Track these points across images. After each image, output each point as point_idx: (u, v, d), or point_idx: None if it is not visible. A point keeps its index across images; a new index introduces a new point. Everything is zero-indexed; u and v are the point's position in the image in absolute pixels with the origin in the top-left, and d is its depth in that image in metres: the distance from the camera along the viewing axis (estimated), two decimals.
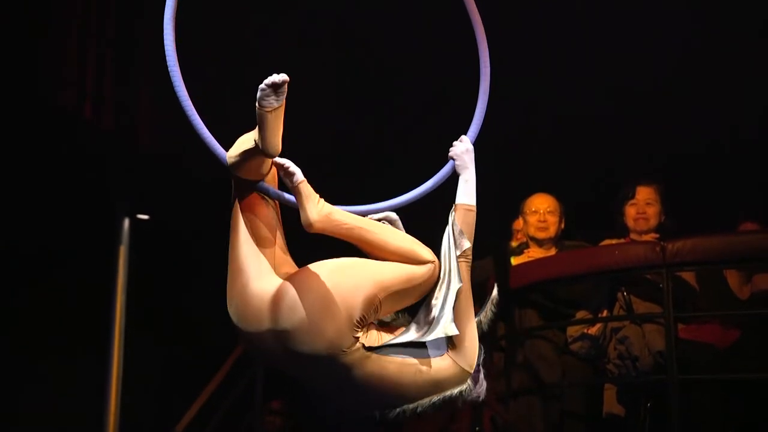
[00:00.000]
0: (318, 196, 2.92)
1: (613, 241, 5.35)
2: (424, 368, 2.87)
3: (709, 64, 6.65)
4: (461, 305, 2.92)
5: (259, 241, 2.96)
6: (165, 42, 2.97)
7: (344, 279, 2.86)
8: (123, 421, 6.03)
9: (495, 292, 3.13)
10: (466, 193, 3.04)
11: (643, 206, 5.38)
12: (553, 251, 5.52)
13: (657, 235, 5.28)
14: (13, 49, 5.48)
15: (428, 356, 2.89)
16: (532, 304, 5.35)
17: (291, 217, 3.04)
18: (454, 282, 2.92)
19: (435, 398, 2.88)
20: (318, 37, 7.04)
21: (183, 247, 7.07)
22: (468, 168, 3.06)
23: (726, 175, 6.61)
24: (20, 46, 5.50)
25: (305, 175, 2.93)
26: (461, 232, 2.97)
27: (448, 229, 2.98)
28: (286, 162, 2.90)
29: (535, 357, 5.30)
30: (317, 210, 2.89)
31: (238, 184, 3.01)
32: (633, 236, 5.36)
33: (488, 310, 3.09)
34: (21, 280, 6.52)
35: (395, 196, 3.10)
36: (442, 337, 2.88)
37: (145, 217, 6.34)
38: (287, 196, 2.98)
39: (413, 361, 2.87)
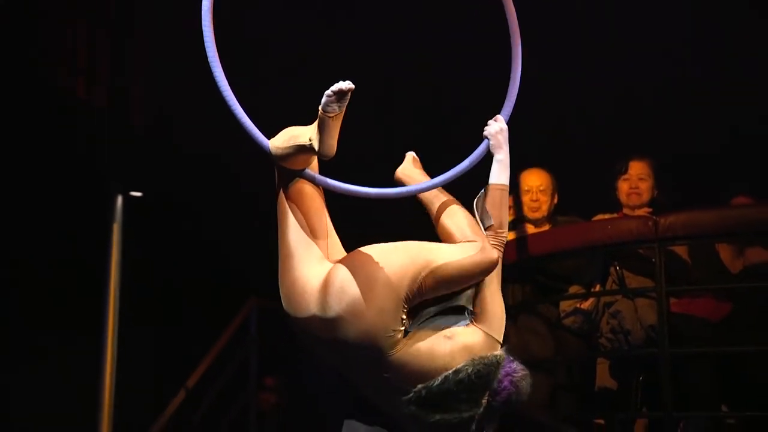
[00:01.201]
0: None
1: (606, 216, 5.36)
2: (453, 337, 2.88)
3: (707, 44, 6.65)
4: (489, 280, 2.95)
5: (308, 227, 3.01)
6: (204, 32, 2.98)
7: (393, 258, 2.89)
8: (117, 398, 6.05)
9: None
10: (499, 173, 3.08)
11: (636, 181, 5.38)
12: (546, 227, 5.52)
13: (650, 210, 5.29)
14: (7, 28, 5.47)
15: (450, 325, 2.91)
16: (525, 279, 5.37)
17: (340, 203, 3.09)
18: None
19: (473, 358, 2.86)
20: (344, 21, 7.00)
21: (176, 223, 7.07)
22: (502, 147, 3.10)
23: (719, 148, 6.62)
24: (15, 25, 5.48)
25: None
26: (485, 211, 3.01)
27: (475, 208, 3.04)
28: (351, 85, 2.88)
29: (527, 332, 5.31)
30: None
31: (282, 173, 3.04)
32: (626, 211, 5.36)
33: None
34: (14, 258, 6.52)
35: (431, 178, 3.13)
36: (464, 313, 2.92)
37: (139, 194, 6.34)
38: (332, 182, 3.03)
39: (443, 332, 2.89)
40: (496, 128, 3.11)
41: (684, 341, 4.80)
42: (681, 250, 5.05)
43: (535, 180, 5.55)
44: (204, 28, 2.98)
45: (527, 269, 5.34)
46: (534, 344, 5.29)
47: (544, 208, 5.52)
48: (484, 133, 3.12)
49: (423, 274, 2.88)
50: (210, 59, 2.97)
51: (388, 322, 2.85)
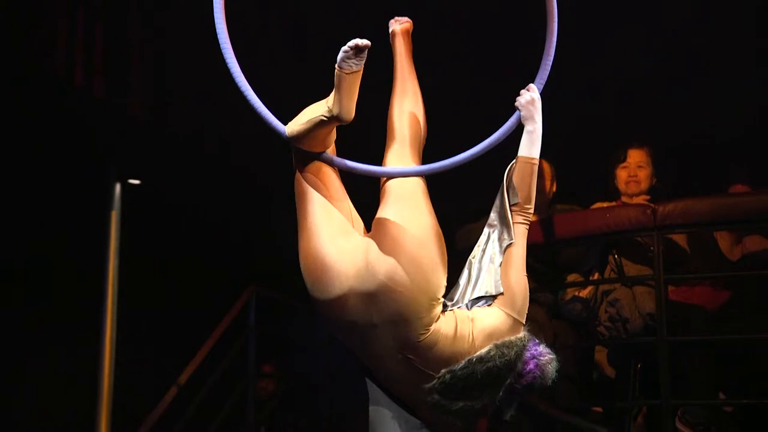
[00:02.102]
0: None
1: (605, 204, 5.36)
2: (475, 319, 2.86)
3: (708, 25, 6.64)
4: (511, 259, 2.92)
5: (330, 206, 2.94)
6: (215, 18, 2.96)
7: (429, 225, 2.87)
8: (116, 385, 6.06)
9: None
10: (528, 145, 2.98)
11: (634, 169, 5.38)
12: (544, 215, 5.52)
13: (648, 198, 5.29)
14: (4, 17, 5.45)
15: (476, 308, 2.90)
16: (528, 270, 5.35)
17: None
18: (506, 238, 2.91)
19: (495, 342, 2.85)
20: None
21: (175, 211, 7.07)
22: (533, 118, 3.00)
23: (716, 137, 6.62)
24: (11, 13, 5.46)
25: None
26: (513, 186, 2.93)
27: (503, 182, 2.96)
28: (367, 42, 2.84)
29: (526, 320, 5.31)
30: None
31: (299, 157, 2.98)
32: (624, 199, 5.37)
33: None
34: (13, 246, 6.52)
35: (462, 152, 3.02)
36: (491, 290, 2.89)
37: (137, 182, 6.33)
38: (350, 163, 2.98)
39: (467, 314, 2.88)
40: (528, 98, 3.02)
41: (682, 329, 4.81)
42: (679, 239, 5.06)
43: None
44: (216, 14, 2.95)
45: (526, 257, 5.33)
46: (532, 332, 5.28)
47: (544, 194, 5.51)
48: (516, 103, 3.03)
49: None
50: (222, 45, 2.94)
51: (430, 296, 2.82)
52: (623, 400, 4.99)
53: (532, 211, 2.98)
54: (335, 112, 2.83)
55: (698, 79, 6.65)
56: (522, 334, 2.92)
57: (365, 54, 2.81)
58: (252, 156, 6.53)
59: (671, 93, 6.78)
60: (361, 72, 2.83)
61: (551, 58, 3.06)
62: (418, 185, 2.98)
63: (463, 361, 2.82)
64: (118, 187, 6.28)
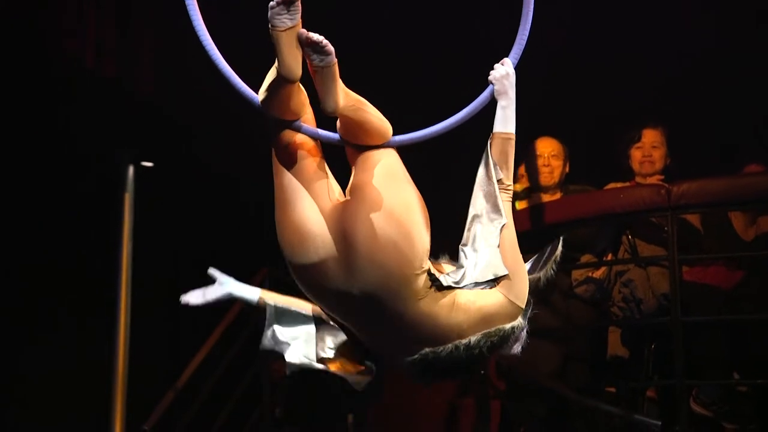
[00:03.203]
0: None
1: (619, 185, 5.35)
2: (474, 303, 2.76)
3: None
4: (506, 240, 2.82)
5: (306, 176, 2.84)
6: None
7: (407, 190, 2.79)
8: (131, 367, 6.07)
9: (559, 247, 3.06)
10: (503, 120, 2.88)
11: (648, 149, 5.36)
12: (558, 195, 5.51)
13: (662, 178, 5.27)
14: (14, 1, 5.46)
15: (475, 289, 2.79)
16: (537, 248, 5.35)
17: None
18: (497, 218, 2.81)
19: (486, 331, 2.77)
20: None
21: (188, 193, 7.07)
22: (506, 93, 2.89)
23: (731, 116, 6.58)
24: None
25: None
26: (494, 163, 2.83)
27: (483, 159, 2.85)
28: (322, 38, 2.70)
29: (539, 301, 5.30)
30: (344, 95, 2.78)
31: (272, 128, 2.88)
32: (638, 179, 5.35)
33: (550, 267, 3.06)
34: (26, 230, 6.54)
35: (432, 125, 2.94)
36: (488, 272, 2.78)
37: (150, 164, 6.32)
38: (324, 132, 2.89)
39: (464, 296, 2.77)
40: (502, 72, 2.91)
41: (696, 310, 4.80)
42: (693, 219, 5.04)
43: (546, 146, 5.53)
44: None
45: (539, 238, 5.32)
46: (545, 313, 5.29)
47: (556, 174, 5.50)
48: (489, 78, 2.92)
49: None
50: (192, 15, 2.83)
51: (414, 263, 2.71)
52: (637, 381, 4.98)
53: (512, 188, 2.90)
54: (280, 72, 2.72)
55: (715, 58, 6.62)
56: (517, 322, 2.83)
57: (298, 6, 2.66)
58: (266, 137, 6.52)
59: (688, 72, 6.75)
60: (299, 25, 2.68)
61: (527, 32, 2.97)
62: (392, 153, 2.88)
63: (450, 345, 2.75)
64: (131, 170, 6.27)
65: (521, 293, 2.85)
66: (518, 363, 5.27)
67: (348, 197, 2.82)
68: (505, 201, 2.84)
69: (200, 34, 2.84)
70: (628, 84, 6.89)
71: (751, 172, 5.28)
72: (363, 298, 2.75)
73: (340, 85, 2.76)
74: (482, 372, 5.47)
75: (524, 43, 2.98)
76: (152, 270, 6.64)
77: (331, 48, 2.70)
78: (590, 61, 6.89)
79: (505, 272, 2.79)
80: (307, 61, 2.72)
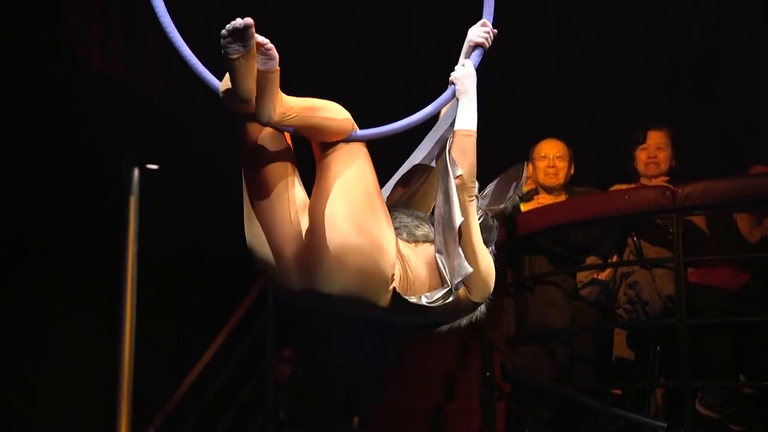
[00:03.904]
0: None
1: (624, 186, 5.34)
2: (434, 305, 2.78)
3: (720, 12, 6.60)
4: (471, 238, 2.78)
5: (274, 183, 2.76)
6: None
7: (370, 190, 2.74)
8: (137, 368, 6.08)
9: (524, 170, 3.00)
10: (465, 119, 2.84)
11: (654, 150, 5.36)
12: (562, 197, 5.50)
13: (667, 180, 5.27)
14: (19, 2, 5.46)
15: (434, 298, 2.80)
16: (542, 250, 5.35)
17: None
18: (456, 218, 2.75)
19: (445, 328, 2.89)
20: None
21: (193, 195, 7.08)
22: (467, 93, 2.86)
23: (736, 118, 6.58)
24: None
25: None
26: (453, 161, 2.78)
27: (444, 158, 2.80)
28: (268, 42, 2.61)
29: (544, 303, 5.31)
30: (280, 102, 2.66)
31: (239, 122, 2.79)
32: (643, 181, 5.34)
33: (518, 192, 2.98)
34: (32, 232, 6.55)
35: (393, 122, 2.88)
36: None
37: (155, 166, 6.33)
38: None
39: (437, 294, 2.78)
40: (463, 72, 2.88)
41: (702, 311, 4.79)
42: (699, 220, 5.04)
43: (551, 148, 5.52)
44: None
45: (544, 240, 5.33)
46: (551, 315, 5.29)
47: (561, 175, 5.49)
48: (450, 78, 2.90)
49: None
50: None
51: (383, 266, 2.71)
52: (642, 383, 4.98)
53: (476, 187, 2.86)
54: (237, 94, 2.63)
55: (719, 60, 6.61)
56: (475, 313, 2.90)
57: (251, 33, 2.56)
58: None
59: (692, 74, 6.75)
60: (254, 51, 2.59)
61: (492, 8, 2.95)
62: (355, 151, 2.79)
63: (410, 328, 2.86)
64: (136, 172, 6.28)
65: (486, 292, 2.87)
66: (524, 365, 5.28)
67: (310, 209, 2.76)
68: (467, 200, 2.79)
69: (161, 17, 2.78)
70: (633, 85, 6.89)
71: (757, 173, 5.27)
72: (341, 301, 2.76)
73: (279, 95, 2.66)
74: (487, 374, 5.47)
75: (492, 7, 2.95)
76: (157, 273, 6.65)
77: (275, 53, 2.62)
78: (595, 63, 6.89)
79: (470, 270, 2.77)
80: (225, 55, 2.60)
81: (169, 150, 6.47)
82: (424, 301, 2.78)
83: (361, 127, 2.83)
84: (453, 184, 2.76)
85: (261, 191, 2.76)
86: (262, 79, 2.62)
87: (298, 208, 2.77)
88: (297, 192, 2.79)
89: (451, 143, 2.82)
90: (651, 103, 6.71)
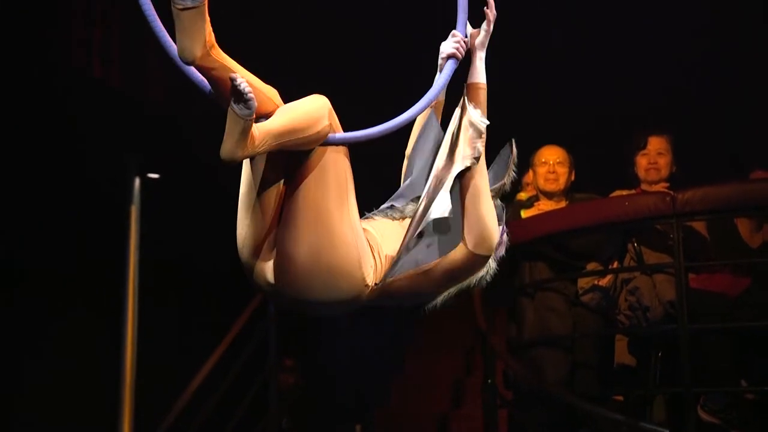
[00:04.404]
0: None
1: (624, 192, 5.34)
2: (435, 268, 2.77)
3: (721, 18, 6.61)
4: (474, 188, 2.78)
5: (265, 186, 2.75)
6: None
7: (321, 234, 2.69)
8: (138, 378, 6.09)
9: (513, 148, 3.01)
10: (482, 72, 2.90)
11: (654, 156, 5.36)
12: (563, 203, 5.51)
13: (668, 185, 5.27)
14: (20, 9, 5.47)
15: (440, 256, 2.79)
16: (543, 256, 5.36)
17: None
18: (457, 163, 2.77)
19: (453, 291, 2.83)
20: None
21: (194, 204, 7.08)
22: (484, 45, 2.91)
23: (737, 123, 6.59)
24: (27, 6, 5.48)
25: None
26: (480, 113, 2.81)
27: (459, 111, 2.82)
28: (245, 86, 2.52)
29: (546, 309, 5.31)
30: (250, 145, 2.57)
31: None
32: (644, 187, 5.34)
33: (510, 170, 3.00)
34: (33, 241, 6.55)
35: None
36: (455, 231, 2.77)
37: (156, 176, 6.34)
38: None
39: (423, 267, 2.78)
40: (455, 45, 2.90)
41: (703, 317, 4.79)
42: (699, 226, 5.03)
43: (552, 154, 5.53)
44: None
45: (545, 246, 5.33)
46: (552, 321, 5.29)
47: (562, 181, 5.50)
48: (443, 53, 2.91)
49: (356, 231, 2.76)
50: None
51: (357, 289, 2.74)
52: (644, 389, 4.98)
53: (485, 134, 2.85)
54: (178, 53, 2.60)
55: (720, 65, 6.62)
56: (484, 270, 2.82)
57: None
58: None
59: (692, 80, 6.76)
60: (205, 9, 2.54)
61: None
62: (331, 157, 2.74)
63: (427, 308, 2.84)
64: (137, 181, 6.29)
65: (489, 244, 2.80)
66: (526, 372, 5.28)
67: (278, 230, 2.74)
68: (481, 149, 2.80)
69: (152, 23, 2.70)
70: (633, 91, 6.90)
71: (757, 178, 5.27)
72: (324, 308, 2.80)
73: (251, 135, 2.56)
74: (489, 381, 5.47)
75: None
76: (160, 281, 6.66)
77: (254, 103, 2.52)
78: (596, 69, 6.90)
79: (445, 214, 2.76)
80: (173, 5, 2.55)
81: (171, 158, 6.49)
82: (398, 258, 2.75)
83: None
84: (464, 135, 2.77)
85: (252, 200, 2.76)
86: (235, 121, 2.53)
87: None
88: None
89: (468, 98, 2.83)
90: (651, 107, 6.72)
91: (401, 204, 2.96)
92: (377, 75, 6.93)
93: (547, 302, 5.32)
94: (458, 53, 2.91)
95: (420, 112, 2.84)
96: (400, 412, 7.17)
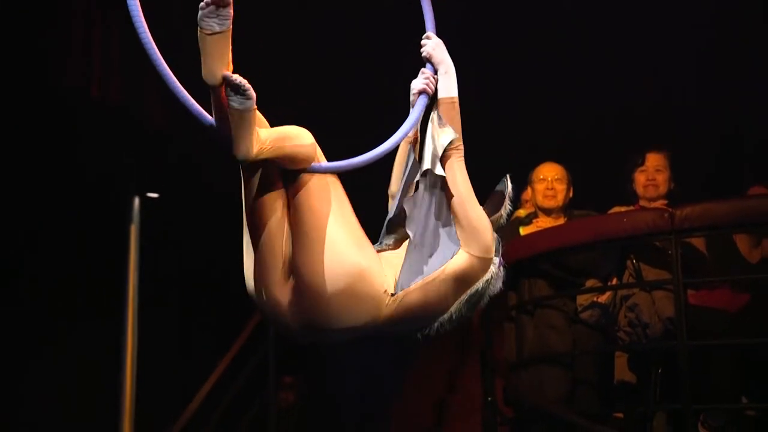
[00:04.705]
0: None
1: (623, 208, 5.35)
2: (442, 276, 2.83)
3: (717, 36, 6.63)
4: (458, 195, 2.87)
5: (264, 224, 2.80)
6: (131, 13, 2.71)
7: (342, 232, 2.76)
8: (138, 397, 6.07)
9: (508, 182, 3.08)
10: (447, 86, 2.98)
11: (652, 173, 5.37)
12: (561, 220, 5.51)
13: (666, 202, 5.27)
14: (18, 29, 5.49)
15: (443, 262, 2.84)
16: (542, 273, 5.35)
17: None
18: (438, 169, 2.86)
19: (464, 297, 2.86)
20: None
21: (193, 223, 7.09)
22: (444, 61, 3.00)
23: (733, 140, 6.60)
24: (26, 26, 5.50)
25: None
26: (446, 124, 2.90)
27: (431, 125, 2.91)
28: (245, 82, 2.63)
29: (545, 326, 5.30)
30: (257, 139, 2.68)
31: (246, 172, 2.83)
32: (642, 203, 5.35)
33: (506, 204, 3.06)
34: (34, 261, 6.55)
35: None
36: (451, 237, 2.84)
37: (155, 195, 6.34)
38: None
39: (431, 276, 2.83)
40: (433, 44, 3.02)
41: (702, 333, 4.78)
42: (698, 242, 5.03)
43: (550, 170, 5.54)
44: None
45: (544, 263, 5.33)
46: (552, 338, 5.28)
47: (560, 197, 5.50)
48: (423, 54, 3.02)
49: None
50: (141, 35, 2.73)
51: (378, 307, 2.78)
52: (644, 406, 4.97)
53: (462, 147, 2.94)
54: (203, 75, 2.66)
55: (716, 80, 6.64)
56: (489, 274, 2.88)
57: (229, 12, 2.61)
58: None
59: (689, 95, 6.78)
60: (229, 33, 2.63)
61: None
62: (328, 181, 2.82)
63: (436, 324, 2.85)
64: (136, 201, 6.29)
65: (485, 245, 2.88)
66: (526, 389, 5.27)
67: (293, 259, 2.78)
68: (457, 160, 2.90)
69: (147, 45, 2.73)
70: (631, 108, 6.92)
71: (755, 194, 5.28)
72: (345, 333, 2.83)
73: (256, 133, 2.68)
74: (489, 398, 5.46)
75: (431, 10, 3.05)
76: (160, 301, 6.66)
77: (252, 93, 2.64)
78: (593, 87, 6.92)
79: (456, 246, 2.84)
80: (224, 103, 2.65)
81: (171, 177, 6.50)
82: (403, 269, 2.81)
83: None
84: (439, 149, 2.86)
85: (256, 231, 2.81)
86: (242, 118, 2.63)
87: (288, 252, 2.80)
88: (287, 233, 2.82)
89: (438, 112, 2.94)
90: (650, 124, 6.74)
91: (391, 240, 3.03)
92: (349, 110, 6.96)
93: (546, 319, 5.32)
94: (428, 89, 3.00)
95: (396, 144, 2.93)
96: (400, 428, 7.16)
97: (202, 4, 2.60)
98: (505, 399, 5.71)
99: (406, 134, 2.93)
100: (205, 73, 2.66)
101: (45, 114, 5.89)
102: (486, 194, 3.09)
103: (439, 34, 3.07)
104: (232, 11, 2.62)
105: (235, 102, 2.61)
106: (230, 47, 2.66)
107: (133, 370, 6.08)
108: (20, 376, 6.41)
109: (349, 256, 2.74)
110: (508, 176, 3.11)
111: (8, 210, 6.25)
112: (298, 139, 2.77)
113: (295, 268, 2.76)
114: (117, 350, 6.12)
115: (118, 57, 5.82)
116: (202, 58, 2.65)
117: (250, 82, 2.64)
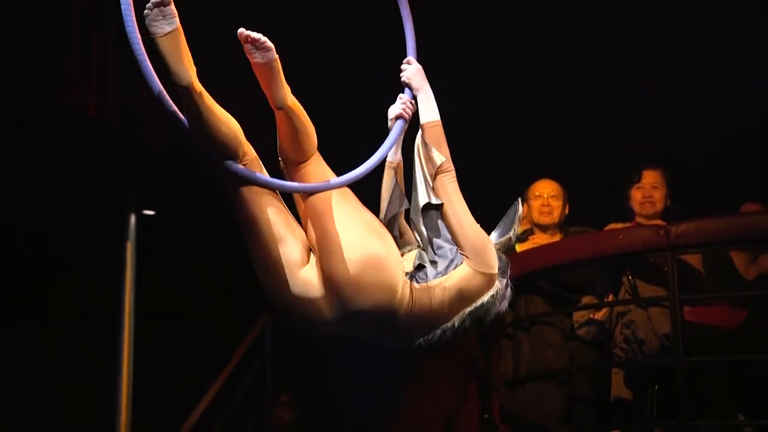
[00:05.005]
0: None
1: (619, 225, 5.36)
2: (447, 284, 2.85)
3: (711, 48, 6.64)
4: (456, 214, 2.90)
5: (279, 213, 2.85)
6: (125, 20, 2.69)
7: (363, 227, 2.83)
8: (135, 415, 6.06)
9: (519, 206, 3.10)
10: (428, 111, 3.00)
11: (649, 190, 5.38)
12: (557, 237, 5.52)
13: (662, 220, 5.28)
14: (16, 47, 5.50)
15: (446, 272, 2.87)
16: (538, 290, 5.36)
17: None
18: (433, 199, 2.90)
19: (469, 309, 2.87)
20: None
21: (189, 241, 7.09)
22: (423, 87, 3.02)
23: (730, 156, 6.61)
24: (23, 44, 5.51)
25: None
26: (432, 151, 2.94)
27: (416, 156, 2.95)
28: (261, 36, 2.72)
29: (541, 343, 5.30)
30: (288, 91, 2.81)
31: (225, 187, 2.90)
32: (639, 220, 5.36)
33: (516, 226, 3.07)
34: (30, 278, 6.55)
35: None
36: (454, 253, 2.87)
37: (151, 212, 6.35)
38: (261, 177, 2.83)
39: (436, 281, 2.85)
40: (413, 70, 3.03)
41: (699, 350, 4.78)
42: (694, 259, 5.04)
43: (546, 187, 5.55)
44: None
45: (540, 280, 5.34)
46: (548, 355, 5.28)
47: (556, 214, 5.51)
48: (403, 79, 3.04)
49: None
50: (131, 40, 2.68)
51: (397, 276, 2.81)
52: (641, 423, 4.96)
53: (452, 168, 2.97)
54: (173, 80, 2.68)
55: (708, 95, 6.66)
56: (494, 290, 2.90)
57: (172, 9, 2.62)
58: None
59: (683, 112, 6.79)
60: (180, 29, 2.64)
61: (411, 24, 3.05)
62: (336, 194, 2.88)
63: (438, 331, 2.86)
64: (133, 218, 6.30)
65: (487, 260, 2.90)
66: (523, 406, 5.27)
67: (317, 253, 2.84)
68: (448, 182, 2.93)
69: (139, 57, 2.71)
70: (627, 126, 6.93)
71: (750, 211, 5.29)
72: (356, 320, 2.84)
73: (285, 82, 2.80)
74: (486, 416, 5.46)
75: (413, 34, 3.06)
76: (155, 318, 6.65)
77: (270, 44, 2.73)
78: (589, 104, 6.93)
79: (459, 262, 2.87)
80: (250, 60, 2.75)
81: (166, 196, 6.51)
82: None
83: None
84: (434, 172, 2.92)
85: (267, 243, 2.83)
86: (267, 70, 2.74)
87: (303, 246, 2.85)
88: (297, 232, 2.87)
89: (423, 136, 2.97)
90: (645, 142, 6.75)
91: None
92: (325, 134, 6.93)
93: (543, 336, 5.31)
94: (405, 114, 3.02)
95: (371, 169, 2.92)
96: None
97: (145, 11, 2.62)
98: (501, 416, 5.69)
99: (381, 159, 2.93)
100: (174, 75, 2.66)
101: (42, 132, 5.90)
102: (488, 212, 3.10)
103: (420, 59, 3.07)
104: (174, 8, 2.64)
105: (258, 57, 2.71)
106: (186, 43, 2.67)
107: (128, 389, 6.07)
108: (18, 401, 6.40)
109: (368, 242, 2.81)
110: (519, 200, 3.13)
111: (5, 225, 6.26)
112: (228, 122, 2.80)
113: (326, 268, 2.80)
114: (112, 369, 6.12)
115: (114, 76, 5.83)
116: (164, 64, 2.66)
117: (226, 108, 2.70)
